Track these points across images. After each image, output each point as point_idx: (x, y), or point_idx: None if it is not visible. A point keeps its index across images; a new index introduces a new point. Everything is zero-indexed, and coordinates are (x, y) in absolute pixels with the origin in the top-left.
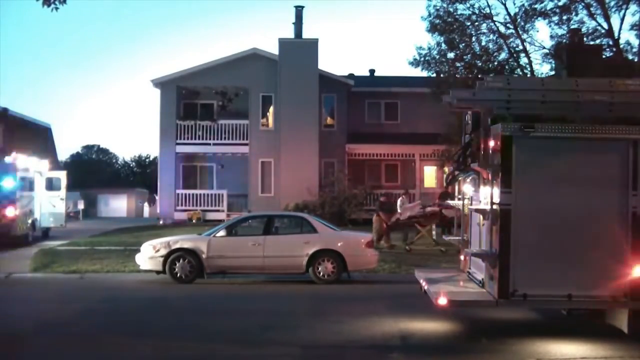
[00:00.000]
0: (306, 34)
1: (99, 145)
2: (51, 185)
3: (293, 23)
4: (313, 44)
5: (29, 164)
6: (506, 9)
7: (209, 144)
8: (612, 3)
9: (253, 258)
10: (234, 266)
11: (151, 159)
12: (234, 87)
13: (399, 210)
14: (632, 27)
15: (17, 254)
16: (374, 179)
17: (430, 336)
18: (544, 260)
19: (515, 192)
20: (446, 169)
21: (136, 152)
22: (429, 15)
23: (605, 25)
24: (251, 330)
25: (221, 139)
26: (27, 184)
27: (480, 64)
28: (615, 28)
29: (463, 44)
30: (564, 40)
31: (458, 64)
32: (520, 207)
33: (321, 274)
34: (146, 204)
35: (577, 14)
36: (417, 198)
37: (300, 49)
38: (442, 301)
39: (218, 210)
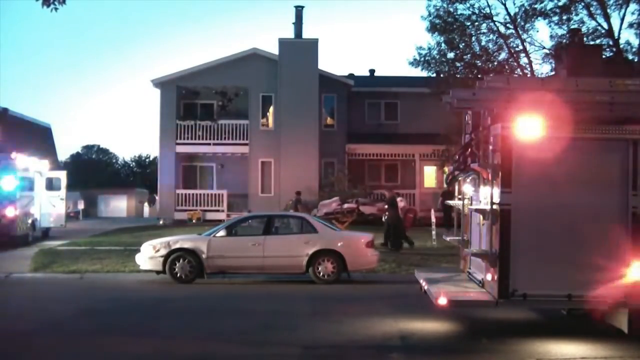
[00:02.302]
0: (306, 34)
1: (99, 145)
2: (51, 185)
3: (293, 23)
4: (313, 44)
5: (29, 164)
6: (506, 9)
7: (209, 144)
8: (612, 1)
9: (253, 258)
10: (234, 266)
11: (151, 159)
12: (234, 87)
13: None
14: (631, 25)
15: (17, 254)
16: (374, 179)
17: (430, 336)
18: (543, 260)
19: (515, 192)
20: (446, 169)
21: (136, 152)
22: (429, 15)
23: (605, 25)
24: (251, 330)
25: (221, 139)
26: (27, 184)
27: (480, 64)
28: (615, 28)
29: (463, 44)
30: (564, 40)
31: (458, 64)
32: (520, 207)
33: (321, 274)
34: (146, 204)
35: (577, 14)
36: (416, 198)
37: (300, 49)
38: (442, 301)
39: (218, 210)
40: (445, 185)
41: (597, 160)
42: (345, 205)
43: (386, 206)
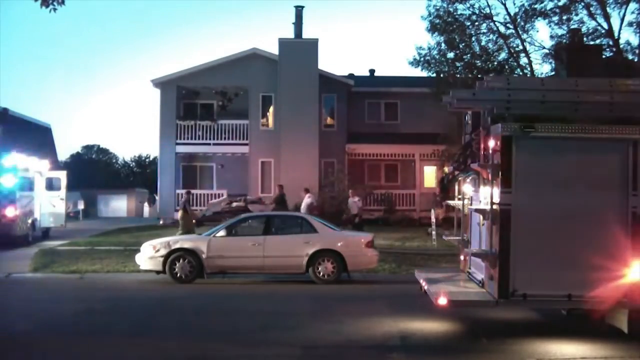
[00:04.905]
0: (306, 34)
1: (99, 145)
2: (51, 185)
3: (293, 23)
4: (313, 44)
5: (29, 164)
6: (506, 9)
7: (209, 144)
8: (611, 1)
9: (253, 258)
10: (234, 266)
11: (151, 159)
12: (234, 87)
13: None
14: (630, 24)
15: (17, 254)
16: (374, 179)
17: (430, 336)
18: (544, 260)
19: (515, 192)
20: (446, 169)
21: (136, 152)
22: (429, 15)
23: (605, 25)
24: (251, 330)
25: (221, 139)
26: (27, 184)
27: (480, 64)
28: (615, 28)
29: (463, 44)
30: (564, 40)
31: (458, 64)
32: (520, 207)
33: (321, 274)
34: (146, 204)
35: (577, 14)
36: (416, 198)
37: (300, 49)
38: (442, 301)
39: None
40: (444, 182)
41: (597, 160)
42: (234, 204)
43: (272, 204)
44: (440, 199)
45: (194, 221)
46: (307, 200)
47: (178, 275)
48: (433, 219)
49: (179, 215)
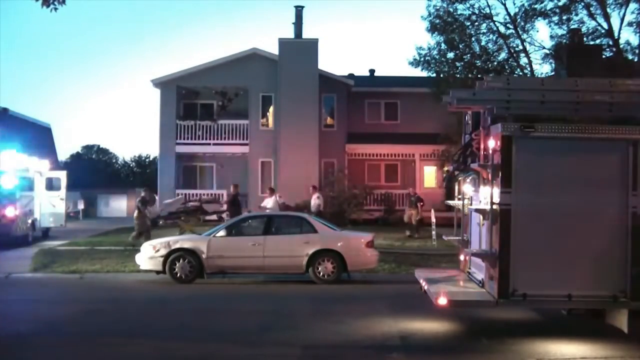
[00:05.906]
0: (306, 34)
1: (99, 145)
2: (51, 185)
3: (293, 23)
4: (313, 44)
5: (29, 164)
6: (506, 9)
7: (209, 144)
8: (611, 1)
9: (253, 258)
10: (234, 266)
11: (151, 159)
12: (234, 87)
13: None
14: (630, 24)
15: (17, 254)
16: (374, 179)
17: (430, 336)
18: (544, 260)
19: (515, 192)
20: (446, 169)
21: (136, 152)
22: (429, 15)
23: (605, 25)
24: (251, 330)
25: (221, 139)
26: (27, 184)
27: (480, 64)
28: (615, 28)
29: (463, 44)
30: (564, 40)
31: (458, 64)
32: (520, 207)
33: (321, 274)
34: None
35: (577, 14)
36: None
37: (300, 49)
38: (442, 301)
39: None
40: (444, 183)
41: (597, 160)
42: (190, 204)
43: (225, 205)
44: (415, 200)
45: (148, 222)
46: (277, 198)
47: (178, 275)
48: (433, 219)
49: (134, 215)
